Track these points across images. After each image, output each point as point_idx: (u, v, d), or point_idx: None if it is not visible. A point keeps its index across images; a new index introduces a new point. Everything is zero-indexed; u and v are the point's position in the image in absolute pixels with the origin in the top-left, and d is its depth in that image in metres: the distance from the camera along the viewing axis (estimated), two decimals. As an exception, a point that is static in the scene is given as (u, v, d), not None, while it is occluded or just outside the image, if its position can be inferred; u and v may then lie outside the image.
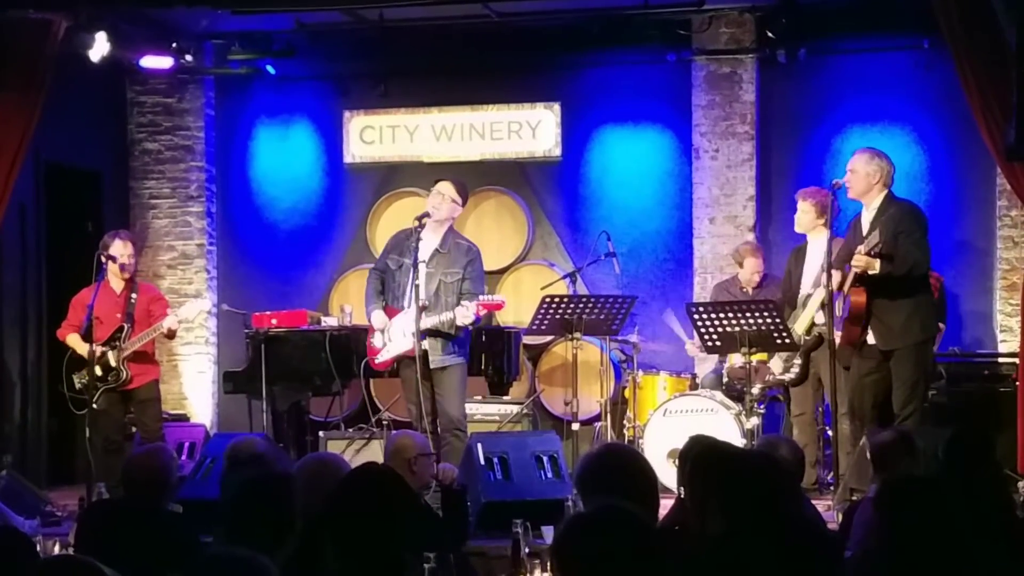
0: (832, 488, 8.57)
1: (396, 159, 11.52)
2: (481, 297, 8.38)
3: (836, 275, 8.13)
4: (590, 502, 4.16)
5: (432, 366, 8.41)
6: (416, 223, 8.50)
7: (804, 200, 9.15)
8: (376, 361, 8.68)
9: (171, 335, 9.27)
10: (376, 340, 8.63)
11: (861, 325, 8.07)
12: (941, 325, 9.82)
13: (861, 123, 10.61)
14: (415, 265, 8.35)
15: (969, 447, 5.07)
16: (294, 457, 8.89)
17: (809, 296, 8.90)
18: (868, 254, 7.82)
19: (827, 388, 8.93)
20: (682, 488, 4.80)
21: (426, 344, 8.39)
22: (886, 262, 7.86)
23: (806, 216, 9.12)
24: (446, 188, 8.57)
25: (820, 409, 9.33)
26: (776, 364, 9.08)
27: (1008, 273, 10.22)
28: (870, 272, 7.89)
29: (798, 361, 9.08)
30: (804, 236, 9.25)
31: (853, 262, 7.91)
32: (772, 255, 10.42)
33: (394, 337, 8.48)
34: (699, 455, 4.54)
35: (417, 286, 8.31)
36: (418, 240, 8.44)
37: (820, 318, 8.85)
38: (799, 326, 8.87)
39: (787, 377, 9.12)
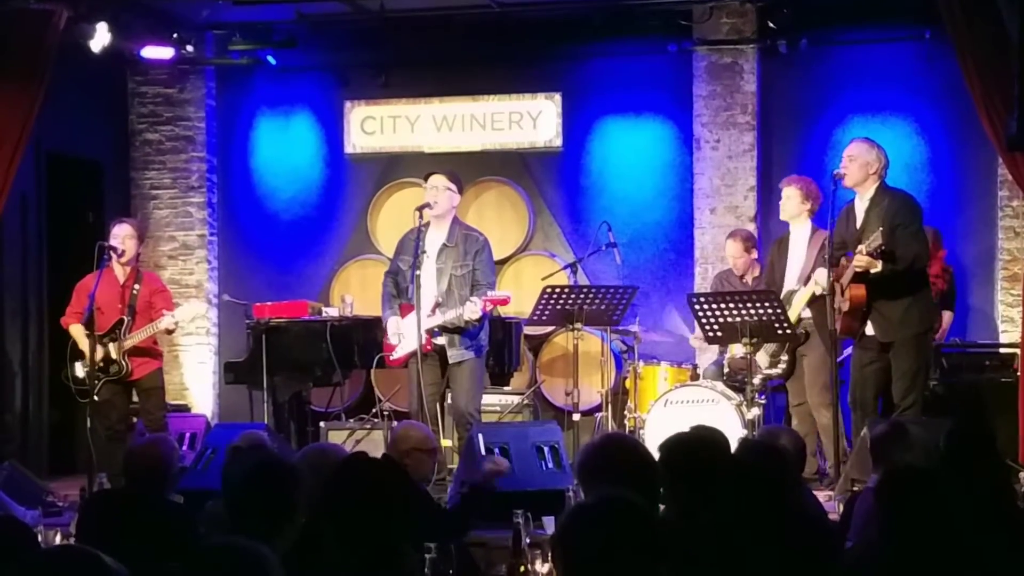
0: (828, 477, 8.63)
1: (397, 149, 11.52)
2: (489, 293, 8.40)
3: (822, 272, 8.15)
4: (591, 491, 4.16)
5: (450, 361, 8.47)
6: (417, 214, 8.52)
7: (789, 186, 9.13)
8: (391, 358, 8.73)
9: (169, 332, 9.30)
10: (392, 337, 8.67)
11: (859, 319, 8.07)
12: (948, 314, 9.83)
13: (862, 114, 10.60)
14: (418, 253, 8.36)
15: (970, 438, 5.06)
16: (295, 447, 8.89)
17: (794, 292, 8.90)
18: (870, 254, 7.81)
19: (807, 377, 8.94)
20: (681, 481, 4.81)
21: (443, 340, 8.44)
22: (888, 262, 7.86)
23: (791, 202, 9.07)
24: (438, 180, 8.58)
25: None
26: (762, 359, 9.04)
27: (1009, 264, 10.21)
28: (872, 271, 7.89)
29: (784, 356, 9.08)
30: (787, 226, 9.24)
31: (855, 263, 7.91)
32: (773, 246, 10.42)
33: (407, 334, 8.50)
34: (699, 446, 4.54)
35: (418, 276, 8.33)
36: (420, 233, 8.46)
37: (807, 312, 8.85)
38: None
39: (774, 372, 9.11)
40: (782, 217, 9.25)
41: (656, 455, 4.42)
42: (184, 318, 9.33)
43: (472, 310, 8.31)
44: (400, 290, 8.67)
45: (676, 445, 4.48)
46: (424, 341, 8.39)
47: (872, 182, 8.12)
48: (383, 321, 8.76)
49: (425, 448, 6.18)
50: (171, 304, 9.30)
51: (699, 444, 4.50)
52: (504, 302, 8.58)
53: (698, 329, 9.07)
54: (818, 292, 8.55)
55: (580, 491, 4.92)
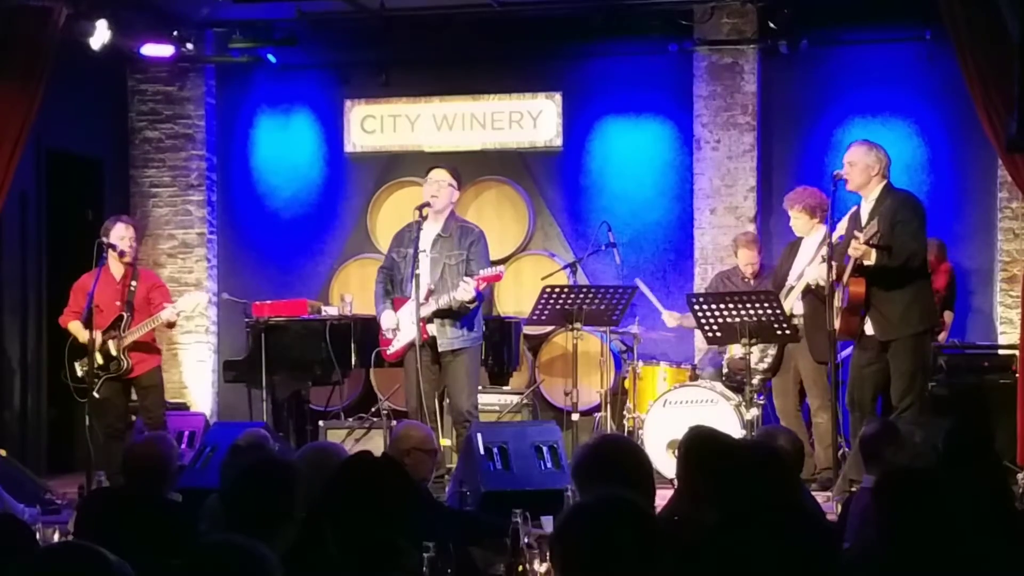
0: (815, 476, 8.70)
1: (397, 148, 11.51)
2: (481, 272, 8.39)
3: (822, 269, 8.18)
4: (587, 492, 4.16)
5: (440, 349, 8.43)
6: (417, 213, 8.52)
7: (792, 208, 9.17)
8: (388, 352, 8.70)
9: (170, 326, 9.27)
10: (387, 332, 8.65)
11: (860, 315, 8.07)
12: (948, 315, 9.85)
13: (863, 114, 10.60)
14: (416, 254, 8.36)
15: (968, 438, 5.07)
16: (294, 446, 8.89)
17: (791, 288, 8.92)
18: (866, 242, 7.83)
19: (805, 381, 8.96)
20: (678, 478, 4.81)
21: (434, 329, 8.41)
22: (883, 253, 7.86)
23: (799, 222, 9.17)
24: (441, 175, 8.58)
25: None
26: (753, 353, 9.08)
27: (1008, 265, 10.22)
28: (865, 262, 7.89)
29: (772, 351, 9.10)
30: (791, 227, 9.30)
31: (850, 249, 7.92)
32: (773, 246, 10.41)
33: (403, 326, 8.50)
34: (699, 445, 4.55)
35: (418, 275, 8.32)
36: (419, 229, 8.46)
37: (799, 308, 8.87)
38: None
39: (760, 366, 9.13)
40: (799, 235, 9.22)
41: (677, 449, 4.43)
42: (186, 308, 9.31)
43: (465, 290, 8.29)
44: (394, 283, 8.66)
45: (699, 437, 4.49)
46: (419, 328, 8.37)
47: (876, 183, 8.12)
48: (377, 317, 8.75)
49: (426, 448, 6.13)
50: (169, 298, 9.29)
51: (723, 437, 4.53)
52: (497, 278, 8.58)
53: (696, 326, 9.08)
54: (812, 285, 8.60)
55: (577, 491, 4.92)
